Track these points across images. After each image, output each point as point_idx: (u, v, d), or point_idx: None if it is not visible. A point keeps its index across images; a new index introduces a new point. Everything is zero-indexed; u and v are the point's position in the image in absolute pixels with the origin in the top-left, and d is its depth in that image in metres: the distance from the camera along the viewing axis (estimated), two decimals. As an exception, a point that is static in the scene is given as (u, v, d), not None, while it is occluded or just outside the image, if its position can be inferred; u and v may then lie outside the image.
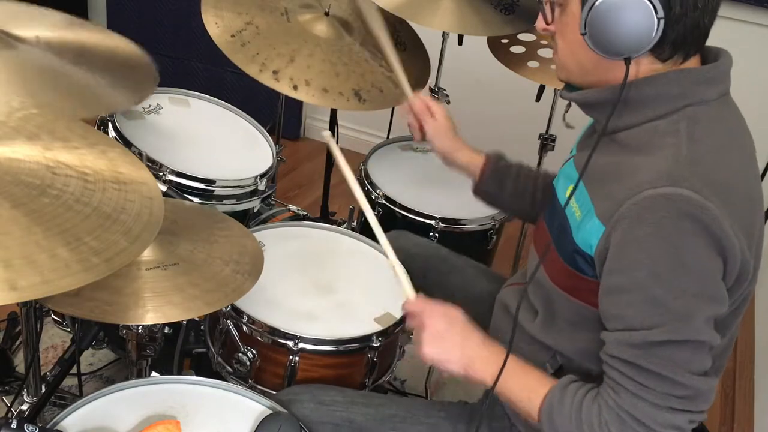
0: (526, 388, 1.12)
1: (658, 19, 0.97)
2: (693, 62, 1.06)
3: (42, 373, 1.45)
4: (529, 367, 1.14)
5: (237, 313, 1.34)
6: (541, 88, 2.08)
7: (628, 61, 1.02)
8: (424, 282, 1.51)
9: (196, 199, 1.60)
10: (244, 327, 1.34)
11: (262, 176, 1.70)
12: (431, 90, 2.25)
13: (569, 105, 1.15)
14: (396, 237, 1.60)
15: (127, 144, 1.59)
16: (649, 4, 0.97)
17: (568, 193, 1.16)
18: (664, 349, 0.99)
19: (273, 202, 1.87)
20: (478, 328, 1.19)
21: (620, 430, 1.02)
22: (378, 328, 1.37)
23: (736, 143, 1.07)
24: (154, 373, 1.35)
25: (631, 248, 0.99)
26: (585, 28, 1.01)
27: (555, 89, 2.07)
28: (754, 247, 1.03)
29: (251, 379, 1.37)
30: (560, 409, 1.06)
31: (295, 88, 1.60)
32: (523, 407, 1.12)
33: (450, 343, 1.15)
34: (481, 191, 1.50)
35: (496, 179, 1.48)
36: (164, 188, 1.54)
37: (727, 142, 1.05)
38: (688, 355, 0.99)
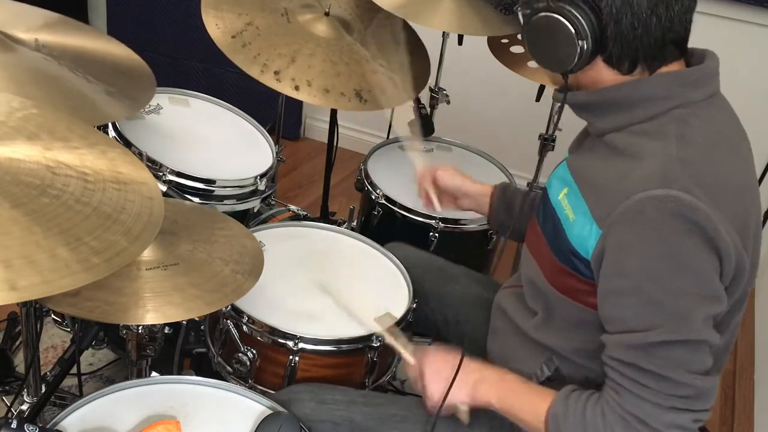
0: (530, 404, 1.12)
1: (579, 41, 1.03)
2: (677, 65, 1.07)
3: (42, 373, 1.44)
4: (530, 384, 1.16)
5: (237, 313, 1.34)
6: (541, 88, 2.08)
7: (565, 75, 1.10)
8: (422, 292, 1.52)
9: (196, 199, 1.60)
10: (244, 327, 1.34)
11: (262, 176, 1.70)
12: (431, 90, 2.24)
13: (561, 107, 1.18)
14: (393, 248, 1.61)
15: (127, 144, 1.59)
16: (570, 28, 1.03)
17: (561, 195, 1.16)
18: (664, 349, 0.99)
19: (273, 202, 1.87)
20: (475, 359, 1.21)
21: None
22: (378, 328, 1.37)
23: (727, 143, 1.07)
24: (154, 373, 1.35)
25: (627, 251, 1.00)
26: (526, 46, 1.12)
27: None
28: (750, 245, 1.03)
29: (251, 379, 1.37)
30: (565, 419, 1.07)
31: (296, 88, 1.60)
32: (528, 423, 1.12)
33: (451, 375, 1.17)
34: (493, 220, 1.53)
35: (504, 204, 1.50)
36: (164, 188, 1.54)
37: (717, 142, 1.05)
38: (689, 354, 0.99)
